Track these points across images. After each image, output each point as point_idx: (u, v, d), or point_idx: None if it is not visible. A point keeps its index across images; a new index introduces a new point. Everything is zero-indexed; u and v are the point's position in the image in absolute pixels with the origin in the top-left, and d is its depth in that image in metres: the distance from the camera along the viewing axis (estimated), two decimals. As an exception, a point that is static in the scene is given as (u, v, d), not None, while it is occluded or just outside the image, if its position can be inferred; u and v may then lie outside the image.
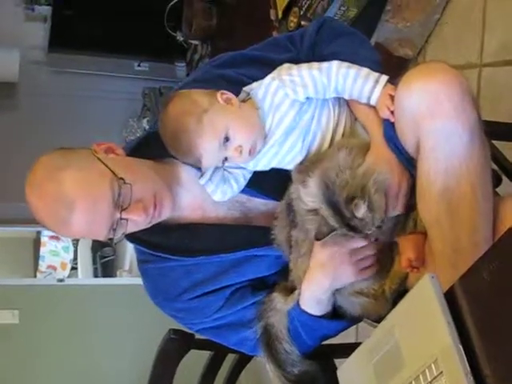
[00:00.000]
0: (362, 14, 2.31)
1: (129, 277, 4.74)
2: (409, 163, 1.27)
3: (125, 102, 4.31)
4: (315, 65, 1.34)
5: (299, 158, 1.36)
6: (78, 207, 1.28)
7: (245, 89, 1.37)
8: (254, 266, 1.43)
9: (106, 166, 1.32)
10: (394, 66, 2.37)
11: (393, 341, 1.11)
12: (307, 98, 1.33)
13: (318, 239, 1.27)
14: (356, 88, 1.30)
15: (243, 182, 1.40)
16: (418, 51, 2.43)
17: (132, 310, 3.62)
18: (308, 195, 1.26)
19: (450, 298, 1.01)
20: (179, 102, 1.32)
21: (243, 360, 1.96)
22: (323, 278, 1.34)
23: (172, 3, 4.10)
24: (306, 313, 1.40)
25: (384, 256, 1.36)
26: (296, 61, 1.39)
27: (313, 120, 1.34)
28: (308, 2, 2.37)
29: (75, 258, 5.85)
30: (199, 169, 1.38)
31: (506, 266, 0.94)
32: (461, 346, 0.97)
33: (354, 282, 1.36)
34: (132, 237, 1.43)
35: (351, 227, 1.23)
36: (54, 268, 5.71)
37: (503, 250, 0.96)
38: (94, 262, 5.71)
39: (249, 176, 1.41)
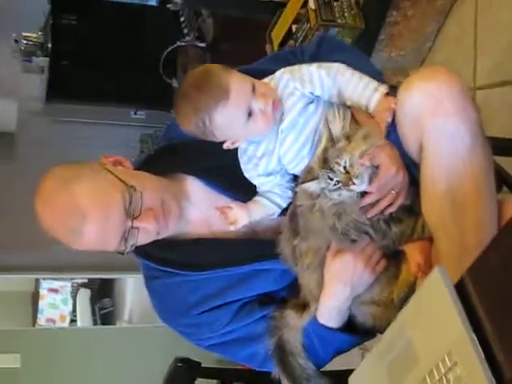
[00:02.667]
0: (356, 44, 2.36)
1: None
2: (412, 165, 1.28)
3: (122, 148, 4.34)
4: (324, 64, 1.37)
5: (306, 160, 1.36)
6: (90, 218, 1.29)
7: None
8: (261, 281, 1.44)
9: (116, 176, 1.34)
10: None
11: (405, 340, 1.10)
12: (314, 96, 1.36)
13: (302, 182, 1.30)
14: (356, 94, 1.32)
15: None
16: (412, 79, 2.46)
17: (133, 353, 3.58)
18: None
19: (460, 289, 1.01)
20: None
21: (250, 388, 1.94)
22: (343, 288, 1.35)
23: (167, 51, 4.17)
24: (324, 326, 1.40)
25: (391, 264, 1.37)
26: None
27: (320, 121, 1.35)
28: (303, 34, 2.42)
29: (74, 310, 5.80)
30: (204, 176, 1.38)
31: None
32: (474, 335, 0.97)
33: (366, 289, 1.36)
34: (140, 252, 1.44)
35: (325, 156, 1.25)
36: (53, 321, 5.66)
37: (509, 233, 0.96)
38: (93, 313, 5.67)
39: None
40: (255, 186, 1.43)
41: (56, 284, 5.84)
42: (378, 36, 2.38)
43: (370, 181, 1.27)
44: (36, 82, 4.29)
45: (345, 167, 1.25)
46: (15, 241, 3.75)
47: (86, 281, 5.95)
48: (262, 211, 1.40)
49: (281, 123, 1.35)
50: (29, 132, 4.14)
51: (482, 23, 2.20)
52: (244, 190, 1.44)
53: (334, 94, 1.36)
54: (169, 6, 4.59)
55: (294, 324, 1.42)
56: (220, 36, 3.93)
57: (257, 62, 1.53)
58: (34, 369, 3.47)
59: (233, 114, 1.30)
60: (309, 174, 1.32)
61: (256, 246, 1.44)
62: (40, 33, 4.23)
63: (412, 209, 1.32)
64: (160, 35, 4.26)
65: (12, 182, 3.96)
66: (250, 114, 1.30)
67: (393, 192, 1.29)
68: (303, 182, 1.32)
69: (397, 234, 1.33)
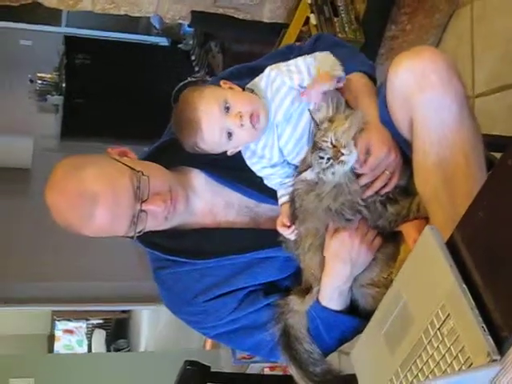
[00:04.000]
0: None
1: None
2: (405, 146, 1.32)
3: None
4: (309, 55, 1.41)
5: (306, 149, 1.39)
6: (100, 201, 1.33)
7: (248, 86, 1.44)
8: (265, 268, 1.47)
9: (123, 163, 1.39)
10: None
11: (400, 304, 1.13)
12: (304, 88, 1.40)
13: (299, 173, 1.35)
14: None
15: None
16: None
17: (145, 378, 3.57)
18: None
19: (450, 246, 1.04)
20: (187, 92, 1.40)
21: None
22: (343, 266, 1.38)
23: (178, 86, 4.27)
24: (327, 309, 1.42)
25: (389, 245, 1.39)
26: None
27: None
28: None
29: (89, 351, 5.81)
30: (208, 171, 1.42)
31: (499, 198, 0.97)
32: (465, 285, 0.99)
33: (365, 270, 1.38)
34: (148, 242, 1.48)
35: (321, 149, 1.29)
36: (69, 362, 5.65)
37: (493, 185, 1.00)
38: (109, 354, 5.67)
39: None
40: (259, 178, 1.47)
41: (71, 325, 5.87)
42: (379, 50, 2.45)
43: (364, 162, 1.31)
44: (51, 120, 4.41)
45: (331, 142, 1.29)
46: (29, 274, 3.81)
47: (101, 321, 5.98)
48: None
49: (275, 118, 1.39)
50: (44, 168, 4.20)
51: (477, 35, 2.27)
52: (248, 182, 1.49)
53: None
54: (180, 45, 4.74)
55: (297, 309, 1.44)
56: (229, 70, 4.02)
57: (261, 59, 1.58)
58: (47, 393, 3.49)
59: (212, 140, 1.36)
60: (304, 164, 1.37)
61: (259, 235, 1.48)
62: (55, 73, 4.37)
63: (407, 189, 1.36)
64: (171, 73, 4.36)
65: (26, 217, 4.03)
66: (230, 134, 1.35)
67: (387, 172, 1.33)
68: (299, 173, 1.37)
69: (393, 214, 1.36)
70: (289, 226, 1.40)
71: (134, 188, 1.36)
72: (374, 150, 1.31)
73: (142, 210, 1.36)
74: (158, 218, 1.40)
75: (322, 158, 1.30)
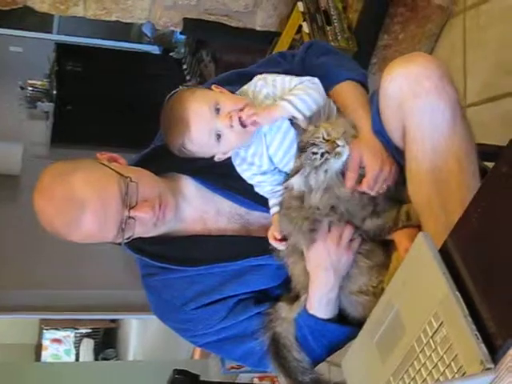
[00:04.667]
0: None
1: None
2: (397, 154, 1.32)
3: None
4: (298, 78, 1.40)
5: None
6: (88, 206, 1.32)
7: (237, 92, 1.43)
8: (255, 276, 1.45)
9: (112, 168, 1.38)
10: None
11: (392, 312, 1.12)
12: None
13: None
14: None
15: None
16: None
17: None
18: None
19: (443, 253, 1.03)
20: (178, 92, 1.39)
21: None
22: (325, 274, 1.36)
23: (170, 95, 4.25)
24: (314, 317, 1.40)
25: (379, 252, 1.38)
26: (287, 73, 1.46)
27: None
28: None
29: (77, 360, 5.77)
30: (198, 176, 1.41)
31: (493, 205, 0.97)
32: (458, 293, 0.98)
33: (353, 277, 1.37)
34: (137, 249, 1.47)
35: (314, 145, 1.28)
36: (56, 372, 5.61)
37: (487, 192, 0.99)
38: (97, 363, 5.63)
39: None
40: (251, 185, 1.45)
41: (59, 334, 5.83)
42: (371, 59, 2.45)
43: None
44: (41, 127, 4.37)
45: (323, 137, 1.28)
46: (17, 281, 3.77)
47: (89, 331, 5.94)
48: None
49: (261, 128, 1.37)
50: (33, 175, 4.17)
51: (470, 44, 2.28)
52: (239, 189, 1.47)
53: None
54: (171, 54, 4.73)
55: (285, 316, 1.42)
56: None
57: (253, 66, 1.58)
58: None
59: (200, 140, 1.34)
60: (292, 172, 1.36)
61: (250, 243, 1.46)
62: (45, 80, 4.34)
63: (394, 198, 1.35)
64: (163, 81, 4.35)
65: (14, 224, 4.00)
66: (219, 135, 1.34)
67: (384, 187, 1.33)
68: (287, 180, 1.36)
69: (379, 225, 1.35)
70: (280, 240, 1.39)
71: (123, 194, 1.34)
72: (367, 167, 1.31)
73: (130, 217, 1.35)
74: (146, 225, 1.39)
75: (315, 153, 1.29)
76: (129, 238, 1.38)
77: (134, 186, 1.35)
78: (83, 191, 1.32)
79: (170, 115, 1.36)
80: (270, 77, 1.42)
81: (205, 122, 1.33)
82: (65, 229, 1.36)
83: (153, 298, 1.51)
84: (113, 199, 1.34)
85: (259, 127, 1.35)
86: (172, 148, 1.39)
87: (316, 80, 1.38)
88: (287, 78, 1.40)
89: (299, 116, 1.32)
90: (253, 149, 1.40)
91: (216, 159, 1.40)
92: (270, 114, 1.32)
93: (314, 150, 1.28)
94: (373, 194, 1.33)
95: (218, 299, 1.45)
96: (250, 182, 1.44)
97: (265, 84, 1.39)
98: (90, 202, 1.32)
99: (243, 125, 1.33)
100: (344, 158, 1.29)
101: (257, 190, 1.44)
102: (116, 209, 1.34)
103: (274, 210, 1.42)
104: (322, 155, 1.28)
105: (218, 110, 1.33)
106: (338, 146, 1.28)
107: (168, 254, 1.47)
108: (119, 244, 1.39)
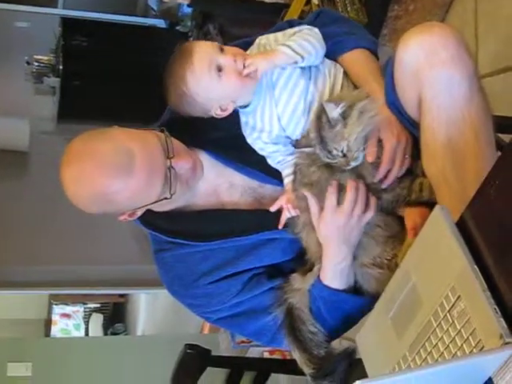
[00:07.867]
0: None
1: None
2: (411, 125, 1.30)
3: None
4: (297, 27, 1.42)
5: (303, 121, 1.38)
6: (137, 154, 1.31)
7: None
8: (269, 250, 1.44)
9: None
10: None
11: (408, 286, 1.11)
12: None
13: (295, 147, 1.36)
14: None
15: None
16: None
17: (143, 362, 3.57)
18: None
19: (460, 226, 1.02)
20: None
21: (261, 377, 1.94)
22: (337, 248, 1.35)
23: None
24: (328, 287, 1.39)
25: (395, 224, 1.37)
26: None
27: (310, 83, 1.37)
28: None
29: (87, 335, 5.80)
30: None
31: (510, 177, 0.95)
32: (476, 266, 0.97)
33: (367, 248, 1.36)
34: (149, 223, 1.46)
35: (321, 135, 1.27)
36: (66, 346, 5.65)
37: (504, 164, 0.97)
38: (106, 338, 5.66)
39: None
40: (263, 158, 1.44)
41: (68, 309, 5.85)
42: (381, 30, 2.42)
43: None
44: (48, 102, 4.35)
45: (342, 152, 1.27)
46: (26, 257, 3.78)
47: (98, 305, 5.96)
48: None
49: (271, 77, 1.37)
50: (41, 151, 4.19)
51: (481, 15, 2.24)
52: (251, 163, 1.46)
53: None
54: (178, 28, 4.69)
55: (299, 287, 1.42)
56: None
57: (259, 35, 1.56)
58: (45, 378, 3.47)
59: (200, 72, 1.33)
60: (304, 139, 1.36)
61: (263, 216, 1.44)
62: (51, 55, 4.31)
63: (410, 170, 1.34)
64: (169, 55, 4.31)
65: (24, 200, 4.00)
66: (220, 70, 1.33)
67: (407, 157, 1.32)
68: (299, 147, 1.36)
69: (394, 196, 1.34)
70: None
71: (163, 144, 1.35)
72: (384, 140, 1.30)
73: (172, 167, 1.34)
74: (185, 181, 1.39)
75: (329, 158, 1.29)
76: (174, 193, 1.36)
77: (169, 140, 1.36)
78: (128, 141, 1.32)
79: (175, 55, 1.37)
80: (271, 35, 1.43)
81: (208, 53, 1.34)
82: (115, 178, 1.31)
83: (165, 273, 1.50)
84: (156, 148, 1.34)
85: (260, 74, 1.34)
86: (172, 89, 1.37)
87: (316, 30, 1.39)
88: (288, 29, 1.41)
89: (298, 58, 1.33)
90: (259, 112, 1.40)
91: (214, 114, 1.39)
92: (267, 58, 1.33)
93: (329, 156, 1.29)
94: (397, 170, 1.32)
95: (232, 273, 1.44)
96: (261, 153, 1.43)
97: (267, 42, 1.41)
98: (138, 151, 1.31)
99: (247, 65, 1.33)
100: (359, 161, 1.29)
101: (269, 161, 1.44)
102: (160, 158, 1.34)
103: (287, 179, 1.41)
104: (335, 164, 1.30)
105: (222, 50, 1.35)
106: (350, 165, 1.28)
107: (181, 228, 1.46)
108: (166, 198, 1.36)
